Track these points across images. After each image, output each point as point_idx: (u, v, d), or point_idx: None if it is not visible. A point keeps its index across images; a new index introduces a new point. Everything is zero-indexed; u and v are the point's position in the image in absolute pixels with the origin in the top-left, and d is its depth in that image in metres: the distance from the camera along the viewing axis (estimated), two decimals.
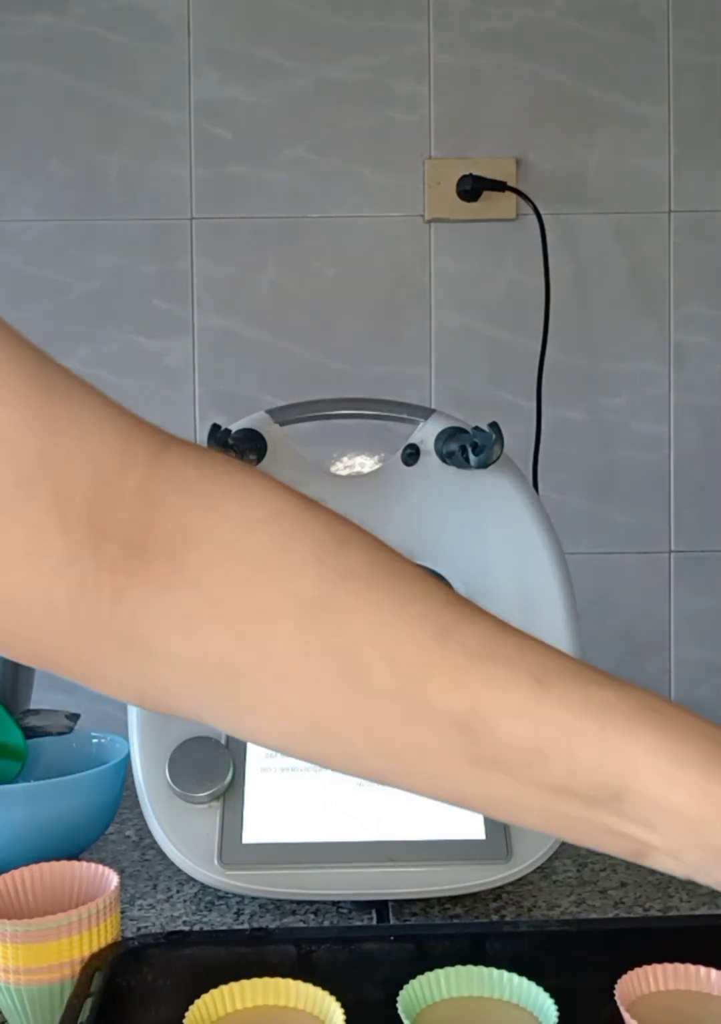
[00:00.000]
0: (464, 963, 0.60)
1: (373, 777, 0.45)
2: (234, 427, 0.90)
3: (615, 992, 0.57)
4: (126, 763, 0.88)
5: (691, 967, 0.60)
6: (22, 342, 0.42)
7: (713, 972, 0.59)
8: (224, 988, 0.58)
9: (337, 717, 0.42)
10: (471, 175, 1.31)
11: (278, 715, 0.43)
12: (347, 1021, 0.56)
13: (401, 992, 0.58)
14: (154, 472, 0.43)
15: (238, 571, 0.42)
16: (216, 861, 0.79)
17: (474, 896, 0.83)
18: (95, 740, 0.98)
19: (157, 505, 0.42)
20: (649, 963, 0.59)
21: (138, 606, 0.42)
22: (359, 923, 0.81)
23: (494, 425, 0.86)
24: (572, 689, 0.40)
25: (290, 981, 0.59)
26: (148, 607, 0.42)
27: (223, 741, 0.83)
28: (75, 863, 0.68)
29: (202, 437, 1.07)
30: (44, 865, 0.67)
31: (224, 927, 0.80)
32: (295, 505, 0.43)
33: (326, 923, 0.81)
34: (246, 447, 0.88)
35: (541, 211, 1.30)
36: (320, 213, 1.34)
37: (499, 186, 1.31)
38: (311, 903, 0.82)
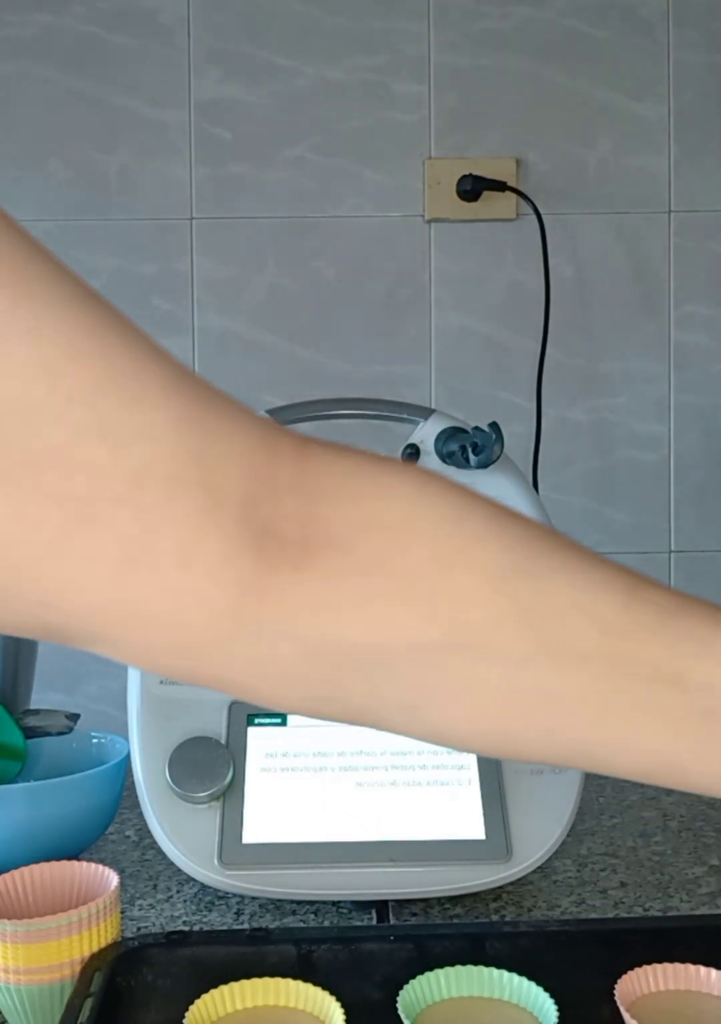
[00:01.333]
0: (464, 963, 0.60)
1: (560, 753, 0.44)
2: None
3: (615, 992, 0.57)
4: (126, 763, 0.88)
5: (691, 967, 0.60)
6: (158, 346, 0.41)
7: (713, 972, 0.59)
8: (224, 988, 0.58)
9: (538, 685, 0.41)
10: (471, 175, 1.31)
11: (471, 694, 0.42)
12: (347, 1021, 0.56)
13: (401, 992, 0.58)
14: (304, 467, 0.41)
15: (416, 552, 0.41)
16: (216, 861, 0.79)
17: (474, 896, 0.83)
18: (95, 740, 0.98)
19: (315, 498, 0.41)
20: (649, 963, 0.59)
21: (311, 600, 0.40)
22: (359, 923, 0.81)
23: (494, 425, 0.86)
24: None
25: (290, 981, 0.59)
26: (324, 599, 0.40)
27: (223, 741, 0.83)
28: (75, 863, 0.68)
29: None
30: (44, 865, 0.67)
31: (224, 927, 0.80)
32: (451, 486, 0.43)
33: (326, 923, 0.81)
34: None
35: (541, 211, 1.30)
36: (320, 213, 1.34)
37: (499, 186, 1.31)
38: (311, 903, 0.82)
